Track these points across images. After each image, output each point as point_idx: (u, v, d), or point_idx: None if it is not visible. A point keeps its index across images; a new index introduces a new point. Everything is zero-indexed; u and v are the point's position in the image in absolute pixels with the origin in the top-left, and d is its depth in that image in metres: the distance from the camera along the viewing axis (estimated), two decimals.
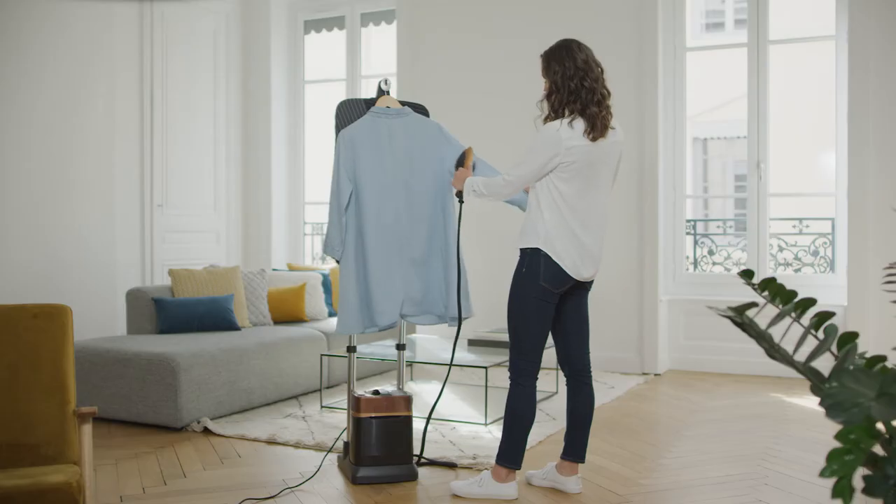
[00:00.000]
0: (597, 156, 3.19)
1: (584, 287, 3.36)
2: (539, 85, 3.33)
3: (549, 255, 3.17)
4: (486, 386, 4.55)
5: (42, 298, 5.50)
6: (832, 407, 1.05)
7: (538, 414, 4.59)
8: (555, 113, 3.21)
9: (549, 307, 3.25)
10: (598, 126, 3.16)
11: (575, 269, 3.20)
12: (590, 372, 3.44)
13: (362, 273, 3.66)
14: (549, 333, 3.35)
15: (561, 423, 4.39)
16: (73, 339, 2.70)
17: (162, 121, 6.68)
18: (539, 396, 4.96)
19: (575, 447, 3.37)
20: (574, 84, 3.17)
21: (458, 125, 6.45)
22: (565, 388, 3.46)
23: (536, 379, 3.30)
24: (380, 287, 3.65)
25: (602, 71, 3.25)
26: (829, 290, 5.87)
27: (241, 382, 4.69)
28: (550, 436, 4.24)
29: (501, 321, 5.61)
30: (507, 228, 5.57)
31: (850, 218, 5.58)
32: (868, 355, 1.27)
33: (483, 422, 4.44)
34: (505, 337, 4.87)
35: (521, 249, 3.25)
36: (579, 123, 3.15)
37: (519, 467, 3.29)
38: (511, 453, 3.26)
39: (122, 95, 6.35)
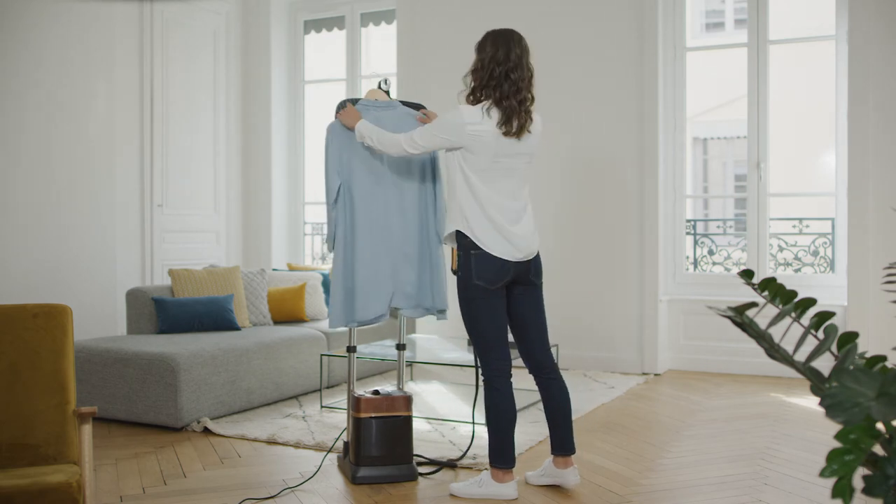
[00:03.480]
0: (506, 146, 3.19)
1: (532, 284, 3.35)
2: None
3: (476, 253, 3.18)
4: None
5: (42, 298, 5.50)
6: (832, 407, 1.05)
7: (535, 414, 4.59)
8: (473, 92, 3.22)
9: (496, 301, 3.24)
10: (512, 122, 3.15)
11: (505, 254, 3.20)
12: (555, 367, 3.43)
13: (350, 267, 3.66)
14: (510, 333, 3.35)
15: None
16: (73, 339, 2.70)
17: (162, 121, 6.68)
18: (535, 397, 4.97)
19: (563, 442, 3.38)
20: (499, 71, 3.17)
21: None
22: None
23: (510, 376, 3.29)
24: (366, 281, 3.64)
25: (532, 76, 3.24)
26: (829, 290, 5.87)
27: (241, 382, 4.69)
28: (549, 436, 4.22)
29: None
30: None
31: (850, 218, 5.58)
32: (868, 355, 1.27)
33: (483, 422, 4.43)
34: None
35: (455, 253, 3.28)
36: (496, 113, 3.16)
37: (512, 466, 3.28)
38: (501, 453, 3.26)
39: (122, 95, 6.35)
